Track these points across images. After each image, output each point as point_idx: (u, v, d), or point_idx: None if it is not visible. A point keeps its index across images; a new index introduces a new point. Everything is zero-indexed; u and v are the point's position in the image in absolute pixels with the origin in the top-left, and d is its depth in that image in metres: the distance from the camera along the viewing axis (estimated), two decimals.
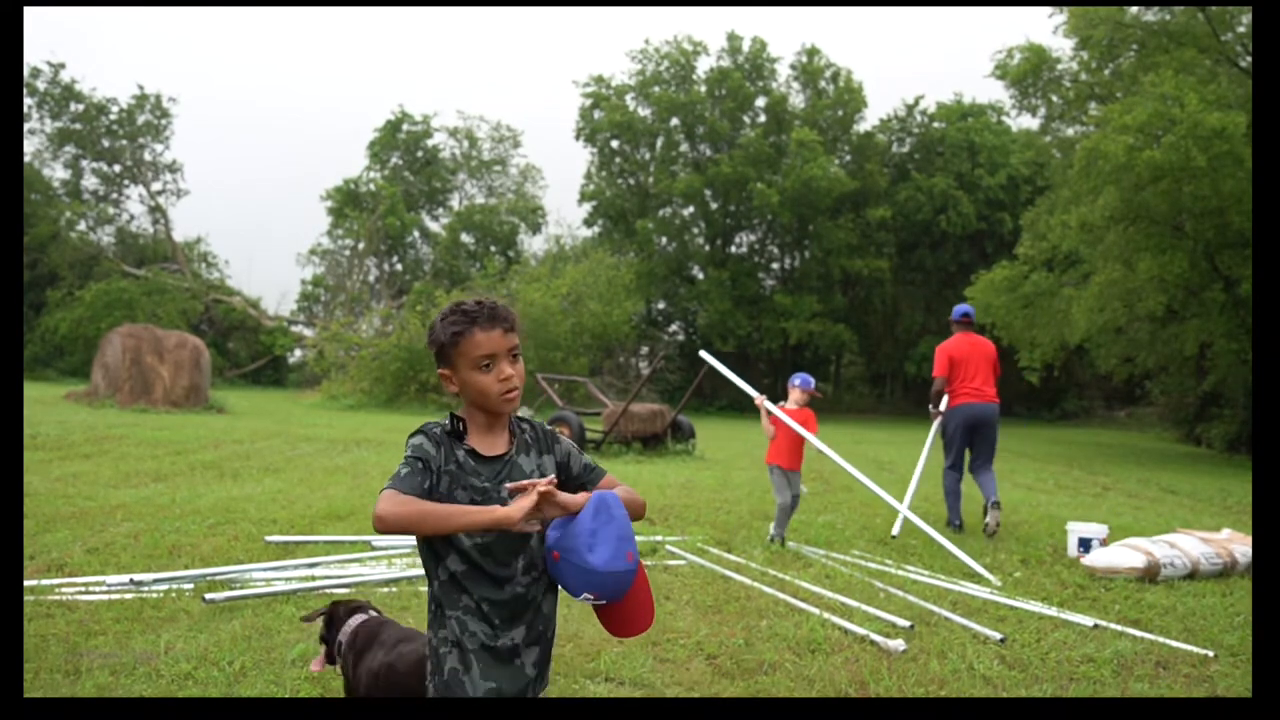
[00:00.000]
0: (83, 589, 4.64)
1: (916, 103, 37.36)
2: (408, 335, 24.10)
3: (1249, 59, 18.26)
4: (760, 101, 36.17)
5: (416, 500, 1.80)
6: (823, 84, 36.40)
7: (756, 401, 6.85)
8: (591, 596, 1.89)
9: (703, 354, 7.74)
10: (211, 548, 5.72)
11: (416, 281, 37.09)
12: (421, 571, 5.27)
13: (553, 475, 1.96)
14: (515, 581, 1.93)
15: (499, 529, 1.80)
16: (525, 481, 1.85)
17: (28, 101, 34.65)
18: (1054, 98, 22.46)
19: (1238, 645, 4.39)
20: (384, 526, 1.77)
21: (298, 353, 35.75)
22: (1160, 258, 17.59)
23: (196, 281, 34.88)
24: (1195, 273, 18.37)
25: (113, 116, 36.29)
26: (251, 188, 66.45)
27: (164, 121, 37.28)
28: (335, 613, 2.94)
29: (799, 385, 6.85)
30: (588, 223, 37.80)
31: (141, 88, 37.26)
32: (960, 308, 7.99)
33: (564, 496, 1.87)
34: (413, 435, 1.94)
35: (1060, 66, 21.76)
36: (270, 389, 32.47)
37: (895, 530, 6.88)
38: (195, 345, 18.33)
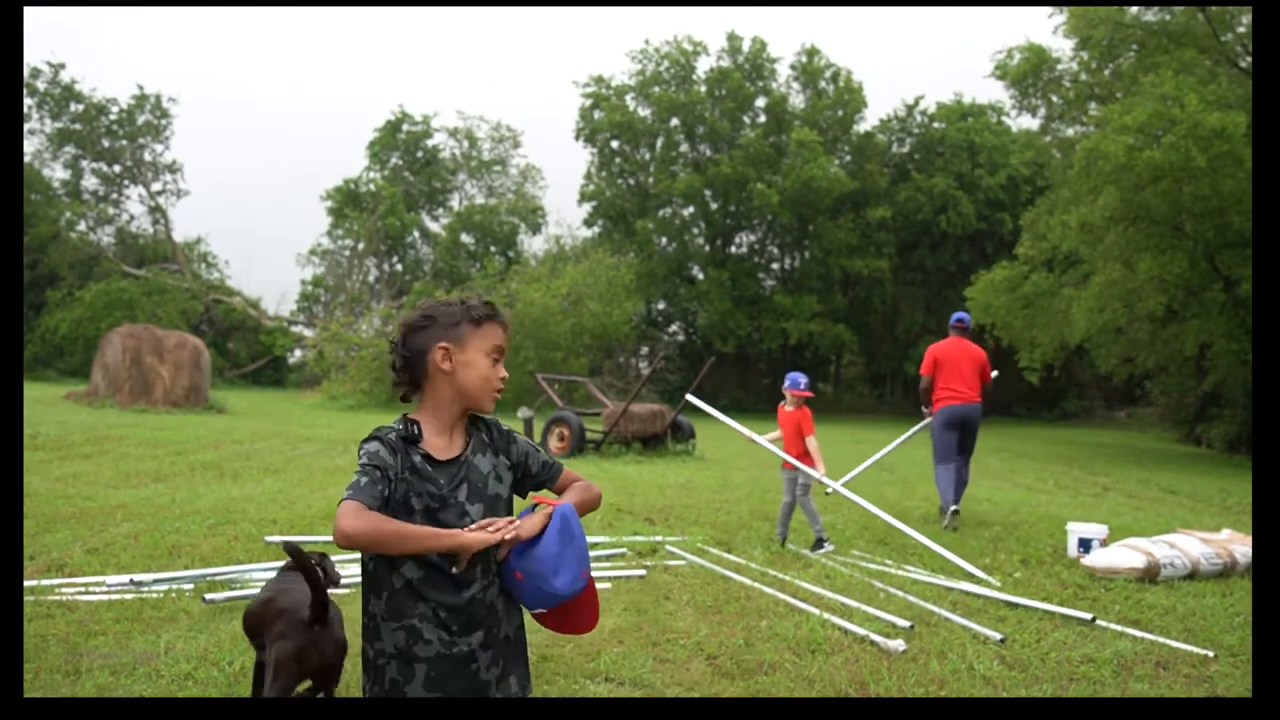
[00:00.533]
0: (83, 589, 4.64)
1: (916, 103, 37.37)
2: None
3: (1249, 59, 18.26)
4: (760, 102, 36.16)
5: (381, 517, 1.78)
6: (823, 84, 36.40)
7: (746, 439, 6.93)
8: (544, 610, 1.97)
9: (689, 397, 8.10)
10: (211, 548, 5.72)
11: (416, 282, 37.11)
12: None
13: (515, 522, 1.91)
14: (473, 585, 1.90)
15: (456, 551, 1.83)
16: (487, 521, 1.87)
17: (28, 102, 34.65)
18: (1054, 98, 22.45)
19: (1238, 645, 4.39)
20: (350, 544, 1.73)
21: (298, 353, 35.74)
22: (1160, 258, 17.59)
23: (196, 282, 34.88)
24: (1195, 273, 18.36)
25: (113, 117, 36.29)
26: (251, 188, 66.54)
27: (164, 122, 37.29)
28: None
29: (788, 387, 6.80)
30: (588, 223, 37.81)
31: (141, 88, 37.32)
32: (957, 314, 8.27)
33: (526, 528, 1.88)
34: (367, 441, 1.89)
35: (1060, 67, 21.76)
36: (270, 389, 32.47)
37: (829, 490, 6.76)
38: (195, 345, 18.33)
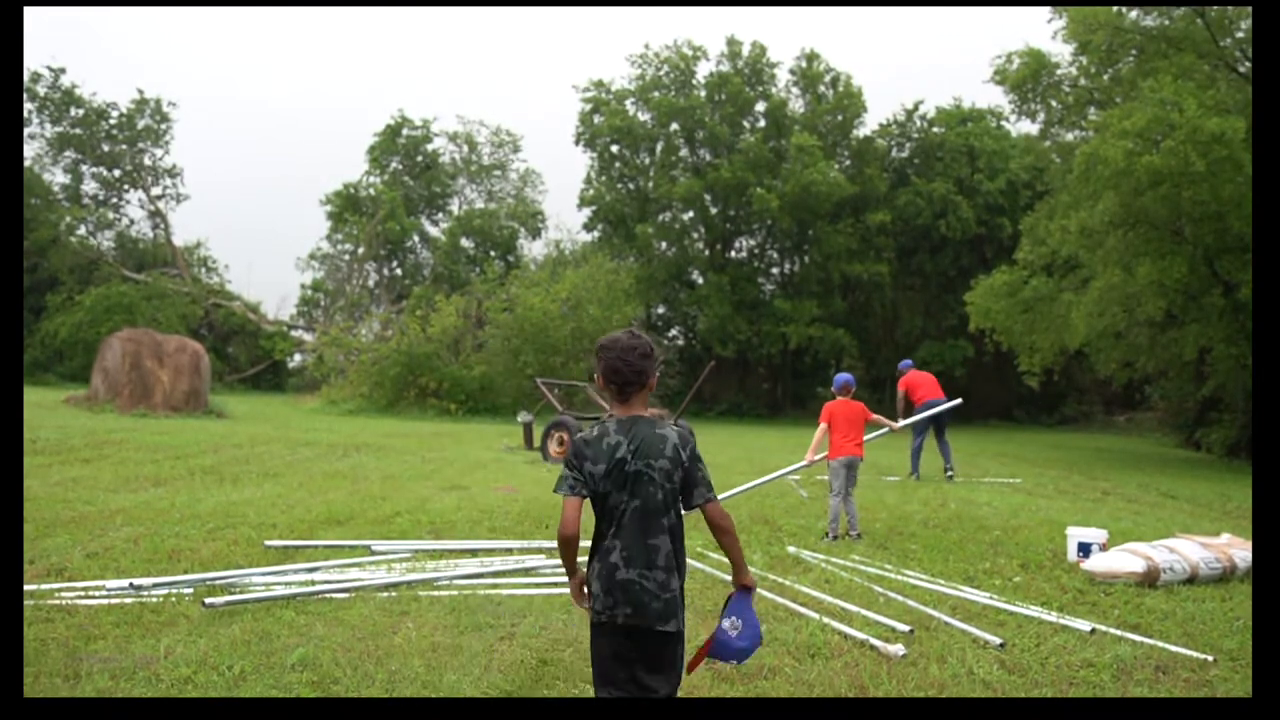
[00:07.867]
0: (82, 593, 4.64)
1: (916, 107, 37.35)
2: (407, 340, 24.09)
3: (1248, 64, 18.29)
4: (760, 106, 36.18)
5: None
6: (822, 89, 36.40)
7: (810, 462, 7.65)
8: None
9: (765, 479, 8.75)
10: (211, 552, 5.72)
11: (416, 286, 37.09)
12: (419, 577, 5.27)
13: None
14: None
15: None
16: None
17: (28, 106, 34.67)
18: (1053, 103, 22.46)
19: (1237, 650, 4.39)
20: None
21: (297, 357, 35.75)
22: (1160, 262, 17.59)
23: (196, 286, 34.89)
24: (1195, 277, 18.36)
25: (113, 121, 36.32)
26: (251, 192, 66.52)
27: (163, 126, 37.33)
28: None
29: (843, 386, 7.64)
30: (587, 227, 37.79)
31: (141, 92, 37.37)
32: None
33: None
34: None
35: (1059, 71, 21.76)
36: (270, 393, 32.46)
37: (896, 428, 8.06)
38: (195, 350, 18.32)
